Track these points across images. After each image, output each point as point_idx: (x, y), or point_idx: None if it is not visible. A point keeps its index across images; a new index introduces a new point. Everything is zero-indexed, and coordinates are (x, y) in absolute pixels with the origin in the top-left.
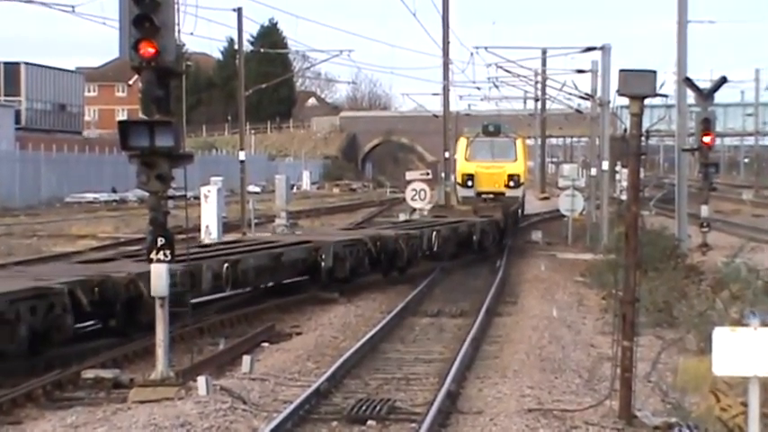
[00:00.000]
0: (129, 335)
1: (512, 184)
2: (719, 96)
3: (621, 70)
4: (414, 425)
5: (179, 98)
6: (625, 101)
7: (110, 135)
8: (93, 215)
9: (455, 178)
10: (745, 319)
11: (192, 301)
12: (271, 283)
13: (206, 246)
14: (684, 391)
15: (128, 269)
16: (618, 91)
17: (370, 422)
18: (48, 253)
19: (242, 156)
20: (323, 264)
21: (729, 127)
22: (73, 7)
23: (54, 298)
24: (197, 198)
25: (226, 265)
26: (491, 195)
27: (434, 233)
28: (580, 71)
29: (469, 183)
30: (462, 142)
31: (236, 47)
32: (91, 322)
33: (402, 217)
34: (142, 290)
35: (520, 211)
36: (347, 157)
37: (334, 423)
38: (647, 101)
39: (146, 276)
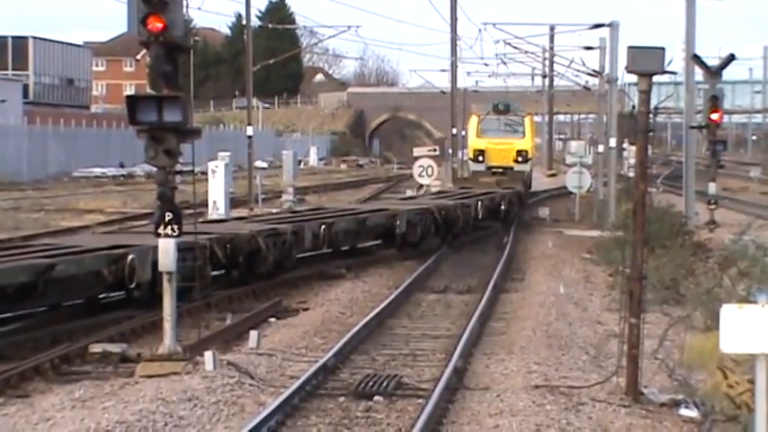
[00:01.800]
0: (249, 282)
1: (520, 159)
2: (728, 74)
3: (630, 47)
4: (421, 401)
5: (187, 73)
6: (633, 78)
7: (117, 110)
8: (100, 190)
9: (467, 153)
10: (752, 297)
11: (298, 256)
12: (352, 246)
13: (303, 211)
14: (691, 368)
15: (249, 227)
16: (626, 68)
17: (376, 398)
18: (55, 227)
19: (249, 131)
20: (397, 229)
21: (737, 104)
22: None
23: (198, 251)
24: (204, 173)
25: (323, 226)
26: (500, 169)
27: (479, 203)
28: (588, 48)
29: (480, 158)
30: (474, 120)
31: (244, 22)
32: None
33: (409, 193)
34: (261, 245)
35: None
36: (354, 133)
37: (341, 399)
38: (655, 78)
39: (264, 233)
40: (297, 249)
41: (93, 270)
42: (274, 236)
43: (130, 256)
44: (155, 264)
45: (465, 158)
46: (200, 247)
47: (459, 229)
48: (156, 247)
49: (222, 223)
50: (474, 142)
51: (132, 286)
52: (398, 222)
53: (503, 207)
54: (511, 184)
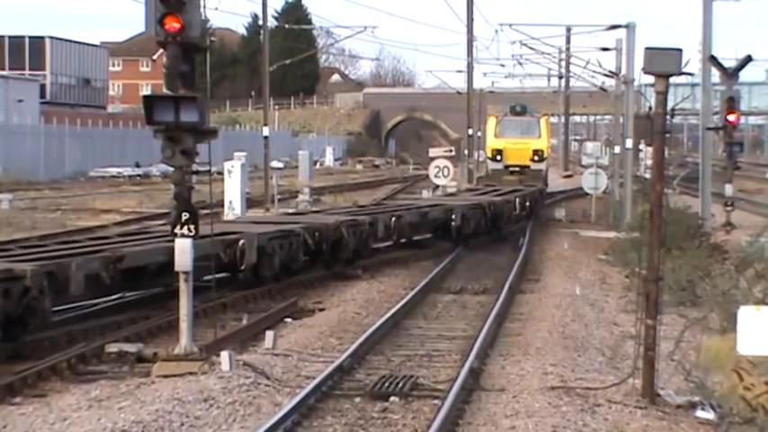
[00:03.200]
0: (332, 268)
1: (536, 158)
2: (744, 75)
3: (647, 48)
4: (437, 401)
5: (203, 73)
6: (649, 79)
7: (134, 110)
8: (116, 189)
9: (484, 153)
10: None
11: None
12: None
13: (372, 205)
14: (707, 369)
15: (335, 217)
16: (643, 69)
17: (392, 398)
18: (71, 227)
19: (266, 131)
20: (453, 222)
21: (754, 106)
22: None
23: (293, 238)
24: (221, 173)
25: (393, 218)
26: (517, 168)
27: (517, 199)
28: (605, 49)
29: (498, 157)
30: (492, 121)
31: (261, 22)
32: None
33: (425, 194)
34: (344, 234)
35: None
36: (370, 134)
37: (357, 399)
38: (671, 79)
39: (346, 223)
40: (372, 239)
41: (213, 253)
42: (354, 226)
43: (241, 241)
44: (259, 248)
45: (481, 159)
46: (296, 234)
47: (503, 222)
48: (260, 234)
49: (305, 215)
50: (492, 142)
51: (242, 267)
52: (454, 216)
53: (528, 203)
54: (532, 181)
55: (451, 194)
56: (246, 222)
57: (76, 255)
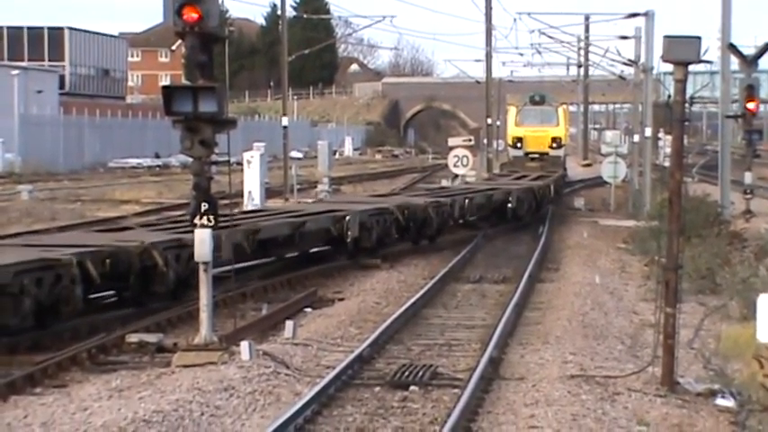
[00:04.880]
0: (417, 243)
1: (554, 145)
2: (764, 62)
3: (666, 36)
4: (456, 390)
5: (222, 64)
6: (668, 67)
7: (152, 100)
8: (136, 180)
9: (504, 141)
10: None
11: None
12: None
13: (448, 188)
14: (727, 357)
15: (423, 198)
16: (662, 57)
17: (412, 388)
18: (91, 218)
19: (285, 121)
20: (510, 204)
21: None
22: None
23: (387, 215)
24: (240, 164)
25: (466, 200)
26: (537, 155)
27: (552, 184)
28: (623, 37)
29: (519, 144)
30: (512, 110)
31: (279, 12)
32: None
33: (444, 183)
34: (430, 213)
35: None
36: (389, 124)
37: (377, 388)
38: (690, 67)
39: (432, 204)
40: (451, 218)
41: (325, 227)
42: (438, 206)
43: (347, 217)
44: (361, 224)
45: (500, 148)
46: (389, 212)
47: (546, 204)
48: (361, 211)
49: (395, 196)
50: (513, 130)
51: (348, 240)
52: (511, 199)
53: (552, 187)
54: (552, 167)
55: (489, 180)
56: (348, 201)
57: (224, 227)
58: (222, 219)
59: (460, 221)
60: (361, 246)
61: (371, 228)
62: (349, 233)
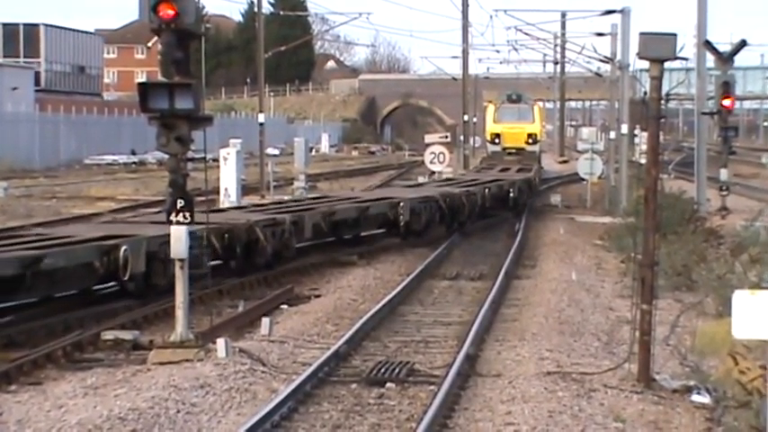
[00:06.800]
0: (450, 227)
1: (530, 141)
2: (739, 60)
3: (641, 33)
4: (433, 387)
5: (198, 60)
6: (645, 64)
7: (129, 97)
8: (112, 177)
9: (482, 137)
10: (764, 283)
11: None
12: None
13: (466, 179)
14: (703, 354)
15: (458, 189)
16: (638, 54)
17: (389, 384)
18: (67, 215)
19: (261, 118)
20: (511, 194)
21: (749, 90)
22: None
23: (432, 203)
24: (216, 160)
25: (486, 190)
26: (513, 150)
27: (537, 177)
28: (599, 34)
29: (497, 140)
30: (491, 108)
31: (256, 9)
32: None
33: (421, 179)
34: (464, 201)
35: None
36: (366, 120)
37: (354, 385)
38: (666, 64)
39: (465, 193)
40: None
41: (383, 212)
42: (469, 195)
43: (401, 203)
44: (411, 209)
45: (477, 144)
46: (434, 200)
47: (534, 193)
48: (412, 198)
49: (436, 185)
50: (491, 127)
51: (402, 224)
52: (512, 189)
53: (537, 179)
54: (529, 162)
55: (478, 172)
56: (400, 189)
57: (307, 210)
58: (305, 201)
59: (484, 208)
60: (411, 229)
61: (420, 213)
62: (401, 218)
